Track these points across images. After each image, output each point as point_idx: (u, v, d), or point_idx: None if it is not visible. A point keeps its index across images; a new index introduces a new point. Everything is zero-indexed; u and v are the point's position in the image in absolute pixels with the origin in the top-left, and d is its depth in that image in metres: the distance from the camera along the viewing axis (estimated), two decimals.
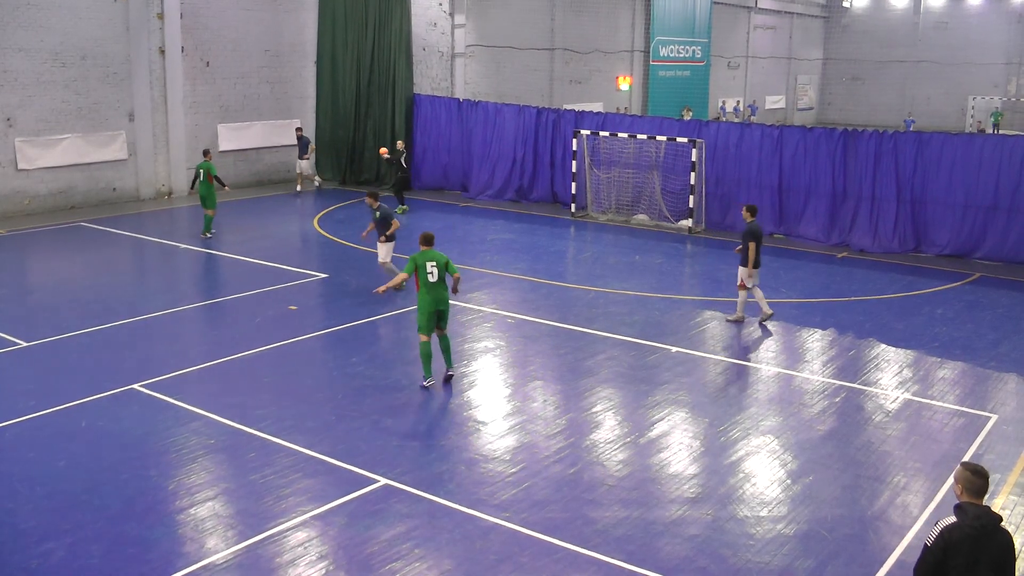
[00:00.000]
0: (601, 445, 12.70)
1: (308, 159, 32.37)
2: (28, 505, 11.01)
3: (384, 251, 19.96)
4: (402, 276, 14.55)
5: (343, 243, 24.59)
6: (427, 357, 14.42)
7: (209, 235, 24.72)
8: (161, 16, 30.29)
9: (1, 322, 17.69)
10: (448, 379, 14.80)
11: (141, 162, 30.44)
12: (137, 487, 11.44)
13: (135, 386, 14.51)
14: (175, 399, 14.01)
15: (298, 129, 32.68)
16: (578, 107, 32.89)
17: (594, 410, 13.99)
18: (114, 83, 29.62)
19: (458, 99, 33.48)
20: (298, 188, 32.62)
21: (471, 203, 31.00)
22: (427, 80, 35.02)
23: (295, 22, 34.04)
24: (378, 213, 19.92)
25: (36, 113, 27.97)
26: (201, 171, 24.43)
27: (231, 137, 32.89)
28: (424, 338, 14.38)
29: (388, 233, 19.82)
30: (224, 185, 25.57)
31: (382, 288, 15.24)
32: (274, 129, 34.08)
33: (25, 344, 16.62)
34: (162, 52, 30.51)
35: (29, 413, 13.58)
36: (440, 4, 37.16)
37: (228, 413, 13.44)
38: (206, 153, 25.56)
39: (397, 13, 32.82)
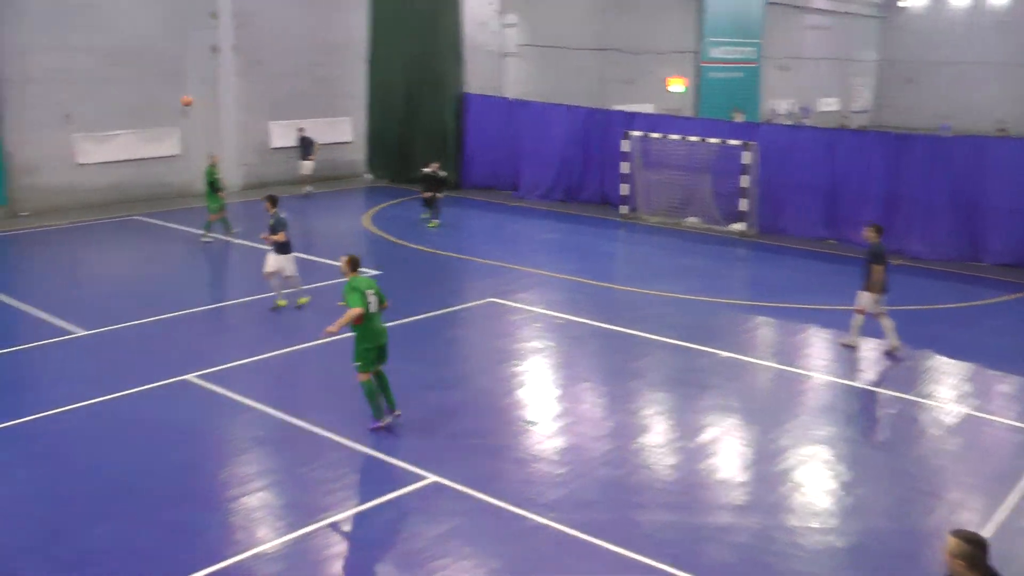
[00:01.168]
0: (649, 448, 12.65)
1: (312, 161, 31.54)
2: (83, 489, 11.23)
3: (274, 262, 18.39)
4: (356, 311, 12.43)
5: (395, 240, 24.69)
6: (374, 395, 12.75)
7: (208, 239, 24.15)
8: (215, 15, 30.60)
9: (61, 311, 17.99)
10: (396, 419, 13.08)
11: (193, 158, 30.77)
12: (189, 475, 11.61)
13: (188, 376, 14.69)
14: (227, 390, 14.17)
15: (300, 130, 31.95)
16: (628, 108, 32.76)
17: (642, 413, 13.95)
18: (168, 81, 29.94)
19: (507, 98, 33.50)
20: (308, 190, 31.42)
21: (520, 202, 31.00)
22: (477, 79, 35.00)
23: (345, 21, 34.20)
24: (272, 220, 18.49)
25: (94, 110, 28.39)
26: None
27: (283, 134, 33.12)
28: (365, 377, 12.66)
29: (274, 239, 18.29)
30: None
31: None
32: (324, 126, 34.26)
33: (83, 333, 16.92)
34: (215, 50, 30.82)
35: (86, 400, 13.83)
36: (491, 3, 37.15)
37: (279, 405, 13.56)
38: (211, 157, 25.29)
39: (448, 12, 32.87)
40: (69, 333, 16.89)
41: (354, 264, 12.95)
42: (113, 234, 25.07)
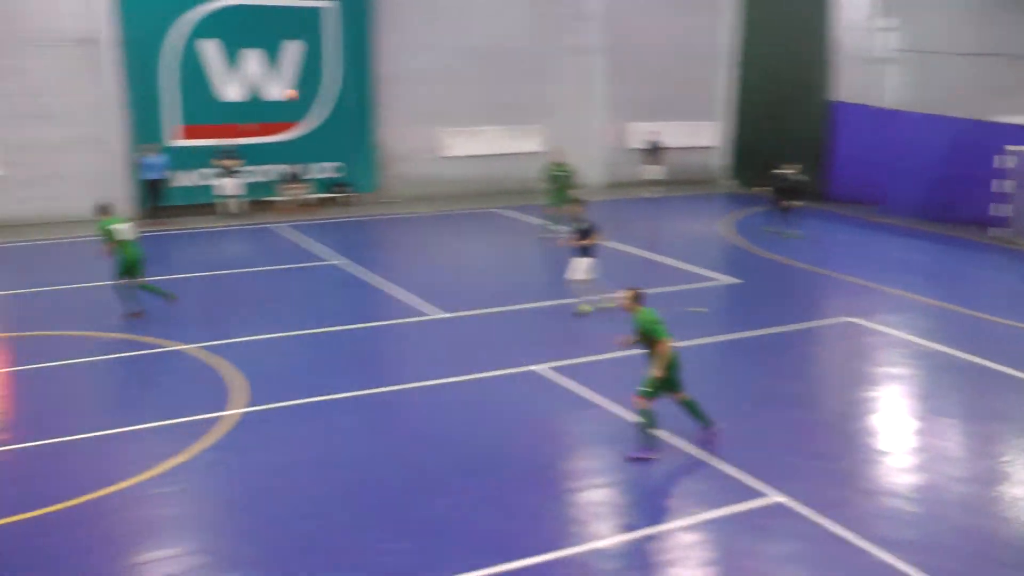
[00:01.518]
0: (1014, 500, 11.49)
1: (660, 165, 30.73)
2: (431, 462, 11.86)
3: (580, 265, 18.35)
4: (668, 345, 12.04)
5: (751, 249, 24.32)
6: (653, 424, 12.05)
7: None
8: (583, 17, 31.33)
9: (420, 292, 19.10)
10: (714, 433, 12.59)
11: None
12: (533, 462, 11.91)
13: (536, 367, 15.10)
14: (575, 384, 14.43)
15: (652, 134, 30.84)
16: (1010, 120, 30.34)
17: (1005, 458, 12.72)
18: (534, 80, 31.06)
19: (880, 108, 32.09)
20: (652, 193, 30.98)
21: (885, 219, 29.55)
22: (848, 87, 33.75)
23: (712, 25, 34.03)
24: (579, 224, 18.42)
25: (462, 106, 30.09)
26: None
27: (640, 136, 33.38)
28: (648, 404, 11.98)
29: (583, 244, 18.19)
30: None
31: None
32: (690, 130, 34.25)
33: (440, 315, 17.85)
34: (581, 52, 31.57)
35: (438, 378, 14.63)
36: (868, 6, 35.67)
37: (627, 404, 13.62)
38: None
39: (821, 16, 31.90)
40: (426, 314, 17.89)
41: (639, 298, 12.56)
42: (472, 224, 26.28)
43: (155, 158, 26.41)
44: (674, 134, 34.07)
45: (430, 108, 29.70)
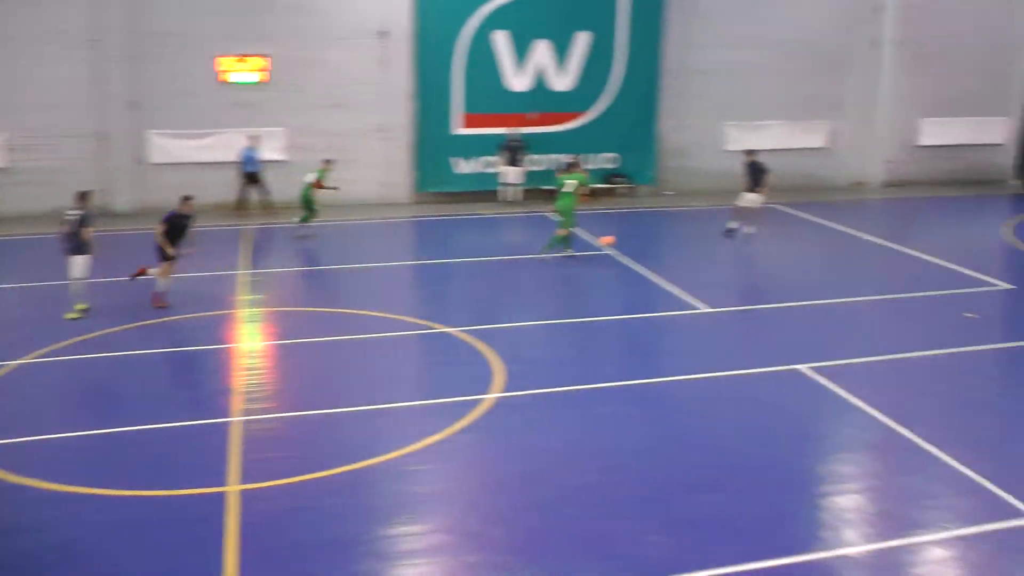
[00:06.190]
0: None
1: (522, 168, 28.16)
2: (691, 456, 12.09)
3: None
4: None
5: None
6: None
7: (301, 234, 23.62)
8: (878, 9, 30.19)
9: (690, 287, 19.10)
10: None
11: (840, 152, 30.75)
12: (788, 463, 11.87)
13: (800, 367, 14.90)
14: (838, 386, 14.16)
15: (513, 130, 28.05)
16: None
17: None
18: (827, 74, 30.26)
19: None
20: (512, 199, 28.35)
21: None
22: None
23: (1018, 14, 31.87)
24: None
25: (748, 100, 29.73)
26: (316, 177, 23.65)
27: (933, 132, 32.01)
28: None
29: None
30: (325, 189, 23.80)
31: None
32: (978, 127, 32.44)
33: (708, 310, 17.84)
34: (876, 43, 30.42)
35: (704, 372, 14.75)
36: None
37: (889, 410, 13.27)
38: (326, 162, 24.25)
39: None
40: (695, 308, 17.93)
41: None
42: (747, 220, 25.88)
43: (253, 150, 26.02)
44: (971, 130, 32.51)
45: (715, 101, 29.56)
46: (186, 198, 17.82)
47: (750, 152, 23.52)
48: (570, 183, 21.12)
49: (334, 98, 26.72)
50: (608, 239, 21.66)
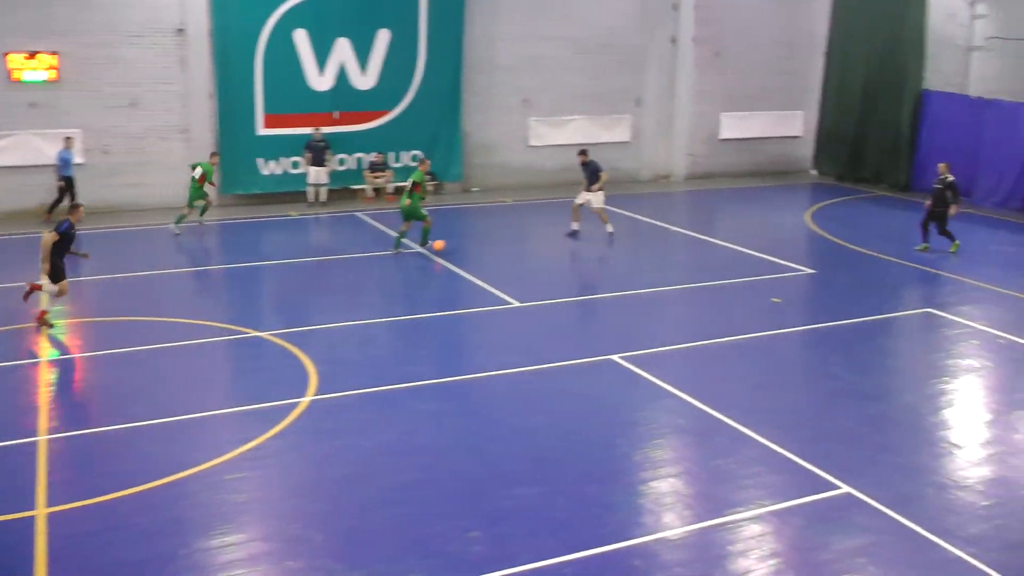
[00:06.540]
0: None
1: (327, 167, 27.53)
2: (509, 450, 12.02)
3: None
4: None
5: (834, 240, 23.99)
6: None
7: (178, 231, 23.76)
8: (677, 6, 31.17)
9: (499, 282, 19.24)
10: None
11: (644, 146, 31.60)
12: (605, 453, 11.98)
13: (613, 357, 15.14)
14: (650, 374, 14.44)
15: (316, 130, 27.53)
16: None
17: None
18: (626, 70, 31.00)
19: (970, 97, 31.30)
20: (316, 199, 27.51)
21: (973, 209, 28.84)
22: (940, 75, 32.97)
23: (808, 13, 33.43)
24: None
25: (551, 95, 30.14)
26: (199, 170, 23.89)
27: (733, 126, 33.23)
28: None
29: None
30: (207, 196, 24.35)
31: None
32: (777, 120, 33.93)
33: (518, 304, 17.98)
34: (674, 42, 31.39)
35: (517, 367, 14.75)
36: None
37: (700, 395, 13.63)
38: (213, 155, 24.96)
39: (914, 4, 31.17)
40: (506, 303, 18.04)
41: None
42: (555, 214, 26.30)
43: (68, 152, 24.59)
44: (771, 124, 33.95)
45: (519, 97, 29.79)
46: (75, 206, 17.03)
47: (583, 152, 23.74)
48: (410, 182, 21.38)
49: (131, 98, 25.67)
50: (439, 244, 21.55)
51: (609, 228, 23.38)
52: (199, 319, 16.91)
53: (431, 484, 11.05)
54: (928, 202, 22.74)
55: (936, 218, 22.53)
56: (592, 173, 23.17)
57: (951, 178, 22.46)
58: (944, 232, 22.58)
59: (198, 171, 23.72)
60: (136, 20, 25.41)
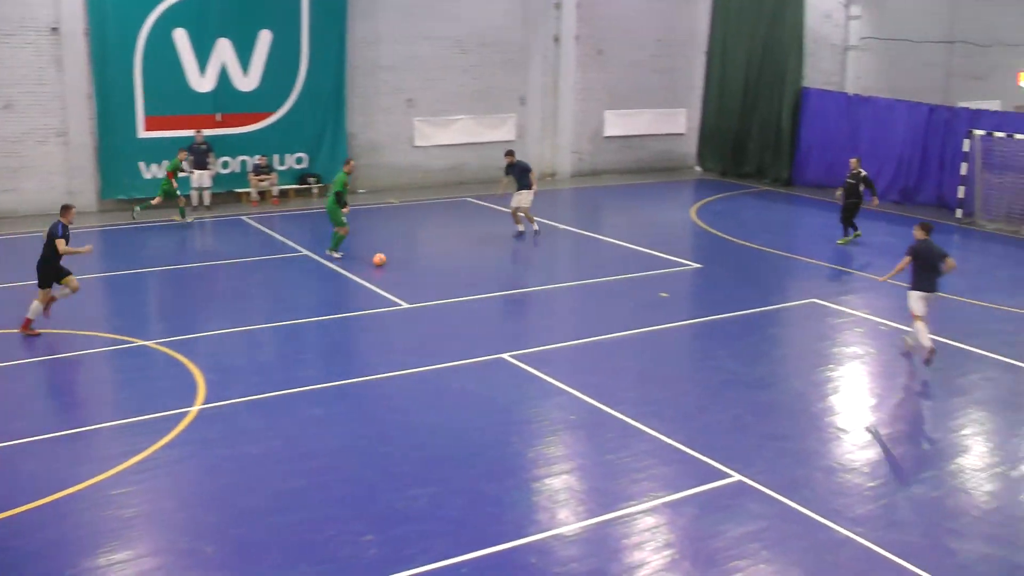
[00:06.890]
0: (968, 471, 11.83)
1: (210, 171, 26.85)
2: (401, 452, 11.97)
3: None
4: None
5: (719, 234, 24.47)
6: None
7: (190, 220, 25.24)
8: (559, 5, 31.41)
9: (388, 284, 19.15)
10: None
11: (529, 144, 31.75)
12: (499, 451, 12.07)
13: (504, 355, 15.23)
14: (541, 372, 14.57)
15: (198, 132, 26.75)
16: (973, 105, 30.62)
17: (963, 432, 13.07)
18: (509, 69, 31.15)
19: (847, 94, 32.27)
20: (200, 203, 26.88)
21: None
22: (818, 74, 33.94)
23: (689, 12, 34.10)
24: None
25: (435, 95, 30.14)
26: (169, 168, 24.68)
27: (617, 124, 33.63)
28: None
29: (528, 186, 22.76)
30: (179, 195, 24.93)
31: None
32: (660, 117, 34.44)
33: (407, 305, 17.93)
34: (556, 40, 31.63)
35: (407, 368, 14.73)
36: None
37: (591, 391, 13.79)
38: (182, 151, 25.27)
39: (792, 4, 32.01)
40: (395, 305, 17.98)
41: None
42: (444, 214, 26.36)
43: None
44: (653, 122, 34.45)
45: (402, 97, 29.67)
46: (66, 207, 16.46)
47: (510, 153, 23.78)
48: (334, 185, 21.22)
49: (5, 99, 24.84)
50: (380, 257, 21.12)
51: (535, 227, 23.76)
52: (81, 329, 16.44)
53: (322, 489, 10.97)
54: (839, 192, 24.00)
55: (847, 209, 23.65)
56: (521, 172, 23.23)
57: (864, 172, 23.72)
58: (850, 223, 23.70)
59: (167, 166, 24.84)
60: (8, 17, 24.52)
